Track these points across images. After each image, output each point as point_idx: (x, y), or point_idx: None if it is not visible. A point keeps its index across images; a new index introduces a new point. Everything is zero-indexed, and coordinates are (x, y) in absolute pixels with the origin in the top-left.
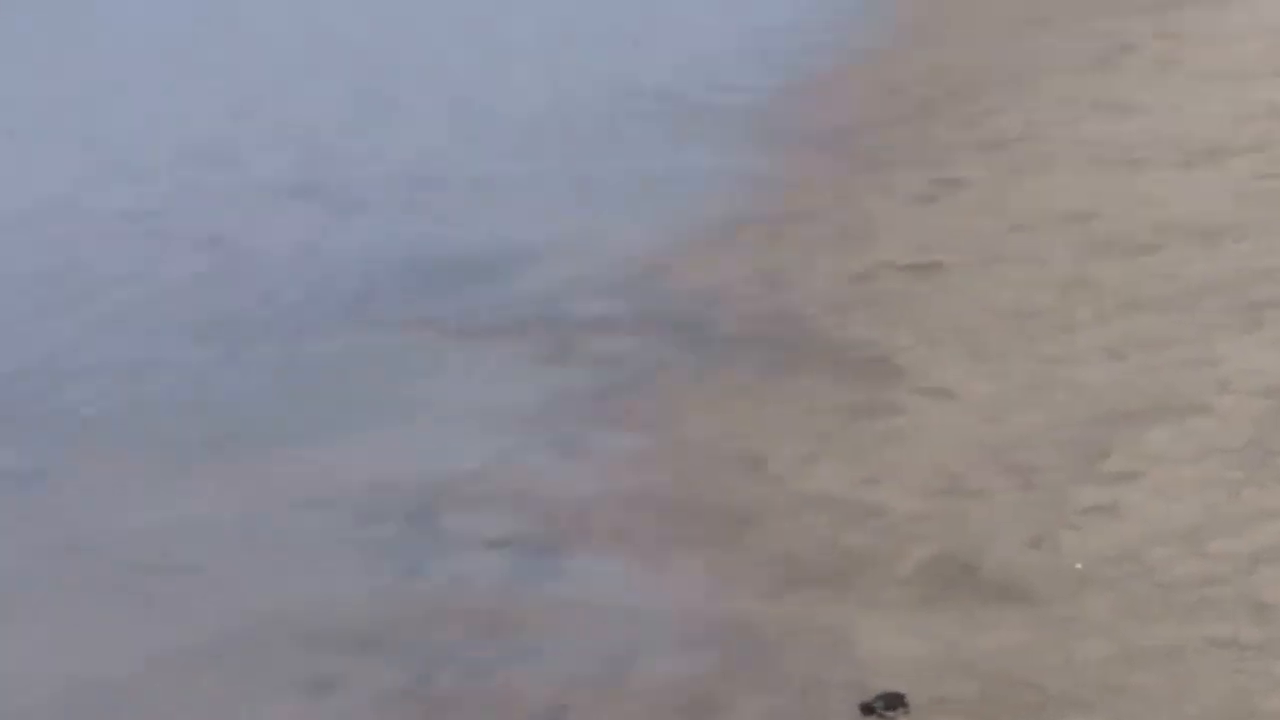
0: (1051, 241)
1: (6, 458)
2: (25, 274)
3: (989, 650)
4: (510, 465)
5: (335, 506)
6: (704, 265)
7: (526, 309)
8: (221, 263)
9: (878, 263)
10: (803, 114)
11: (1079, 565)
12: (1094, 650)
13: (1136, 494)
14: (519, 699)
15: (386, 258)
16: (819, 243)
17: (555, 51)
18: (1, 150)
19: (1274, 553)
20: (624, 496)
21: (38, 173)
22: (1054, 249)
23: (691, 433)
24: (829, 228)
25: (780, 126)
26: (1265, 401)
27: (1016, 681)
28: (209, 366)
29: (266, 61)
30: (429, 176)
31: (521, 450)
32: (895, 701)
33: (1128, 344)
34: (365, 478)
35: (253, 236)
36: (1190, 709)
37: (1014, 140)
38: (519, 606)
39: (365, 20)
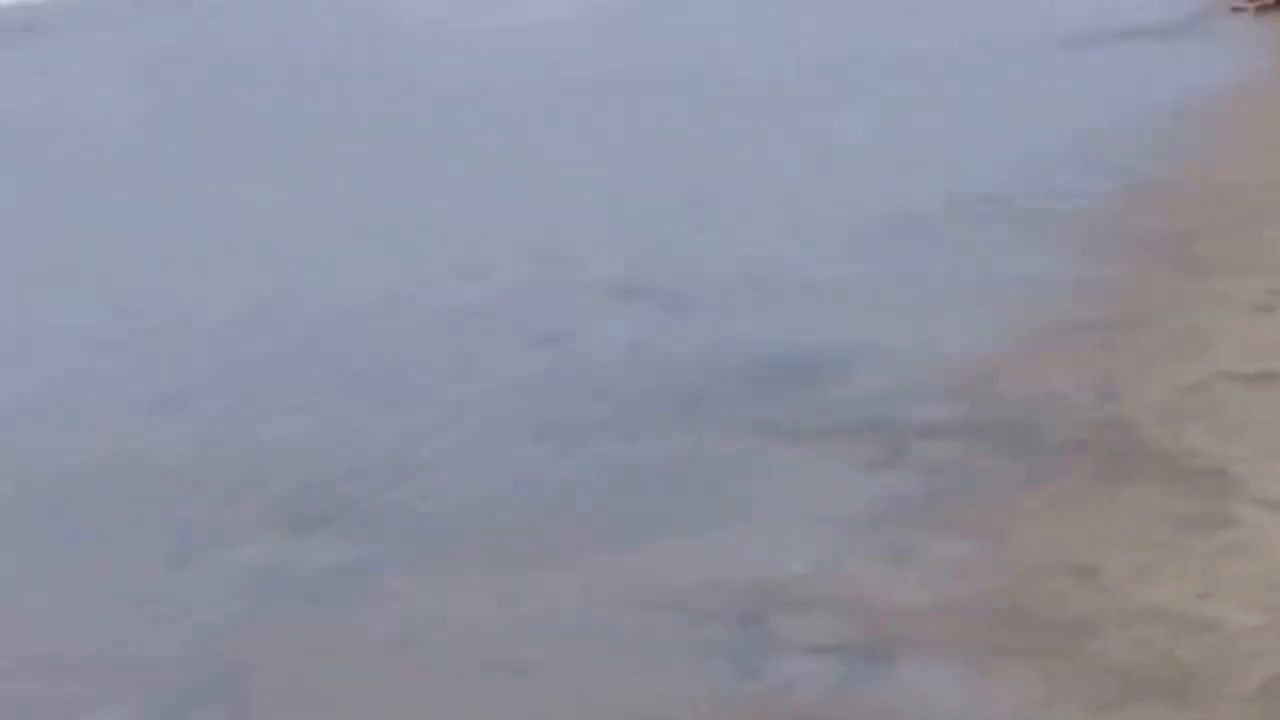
0: None
1: (343, 552)
2: (363, 370)
3: None
4: (840, 570)
5: (666, 607)
6: (1035, 371)
7: (856, 413)
8: (555, 361)
9: (1213, 372)
10: (1134, 219)
11: None
12: None
13: None
14: None
15: (717, 359)
16: (1152, 350)
17: (885, 154)
18: (340, 248)
19: None
20: (954, 604)
21: (375, 270)
22: None
23: (1022, 541)
24: (1162, 335)
25: (1111, 231)
26: None
27: None
28: (543, 464)
29: (598, 162)
30: (759, 278)
31: (851, 555)
32: None
33: None
34: (696, 579)
35: (586, 336)
36: None
37: None
38: (848, 712)
39: (695, 122)
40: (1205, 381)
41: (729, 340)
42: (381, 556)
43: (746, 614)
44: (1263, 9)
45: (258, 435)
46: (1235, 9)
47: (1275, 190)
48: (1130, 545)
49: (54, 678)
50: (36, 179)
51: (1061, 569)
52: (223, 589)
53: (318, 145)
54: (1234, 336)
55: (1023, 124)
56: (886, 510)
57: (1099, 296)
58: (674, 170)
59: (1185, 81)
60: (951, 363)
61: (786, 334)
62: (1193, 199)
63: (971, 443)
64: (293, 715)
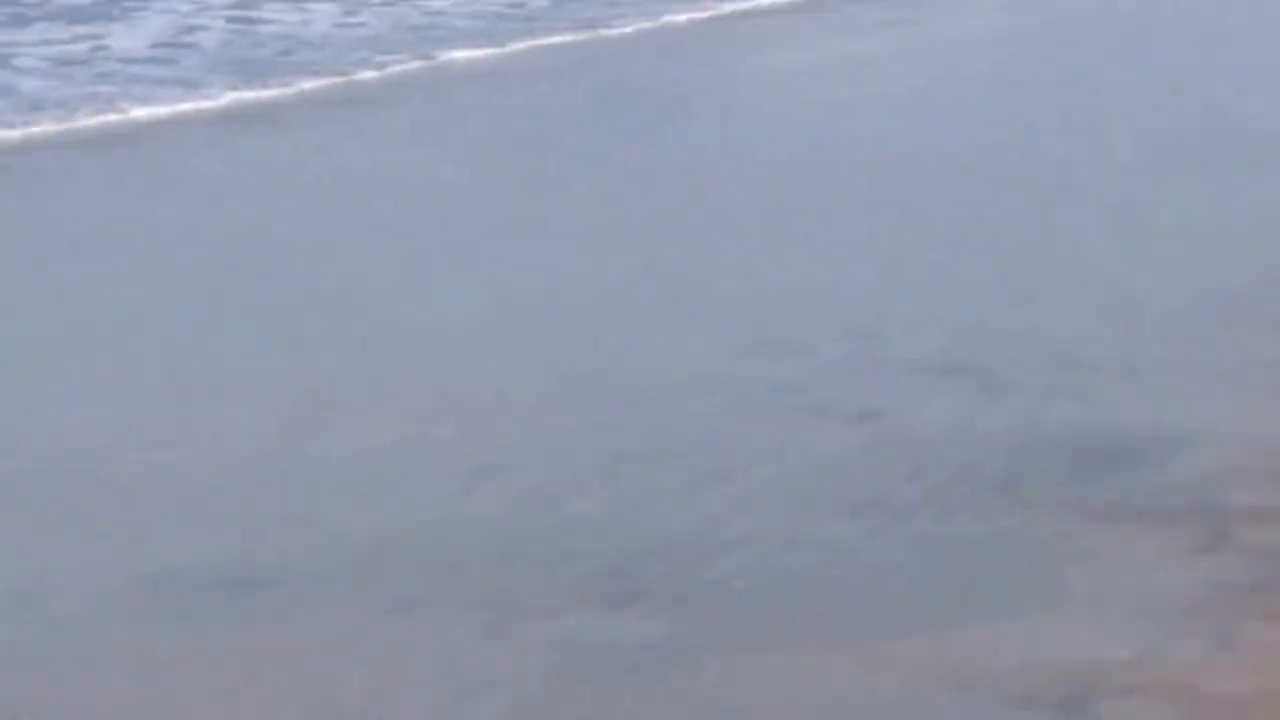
0: None
1: (656, 627)
2: (676, 445)
3: None
4: (1163, 656)
5: (984, 691)
6: None
7: (1178, 496)
8: (871, 439)
9: None
10: None
11: None
12: None
13: None
14: None
15: (1035, 439)
16: None
17: (1206, 230)
18: (654, 321)
19: None
20: None
21: (689, 344)
22: None
23: None
24: None
25: None
26: None
27: None
28: (858, 543)
29: (915, 238)
30: (1078, 358)
31: (1175, 641)
32: None
33: None
34: (1015, 662)
35: (902, 414)
36: None
37: None
38: None
39: (1013, 197)
40: None
41: (1047, 420)
42: (695, 633)
43: (1068, 699)
44: None
45: (571, 508)
46: None
47: None
48: None
49: None
50: (355, 248)
51: None
52: (536, 662)
53: (636, 216)
54: None
55: None
56: (1211, 595)
57: None
58: (991, 247)
59: None
60: (1276, 447)
61: (1105, 415)
62: None
63: None
64: None
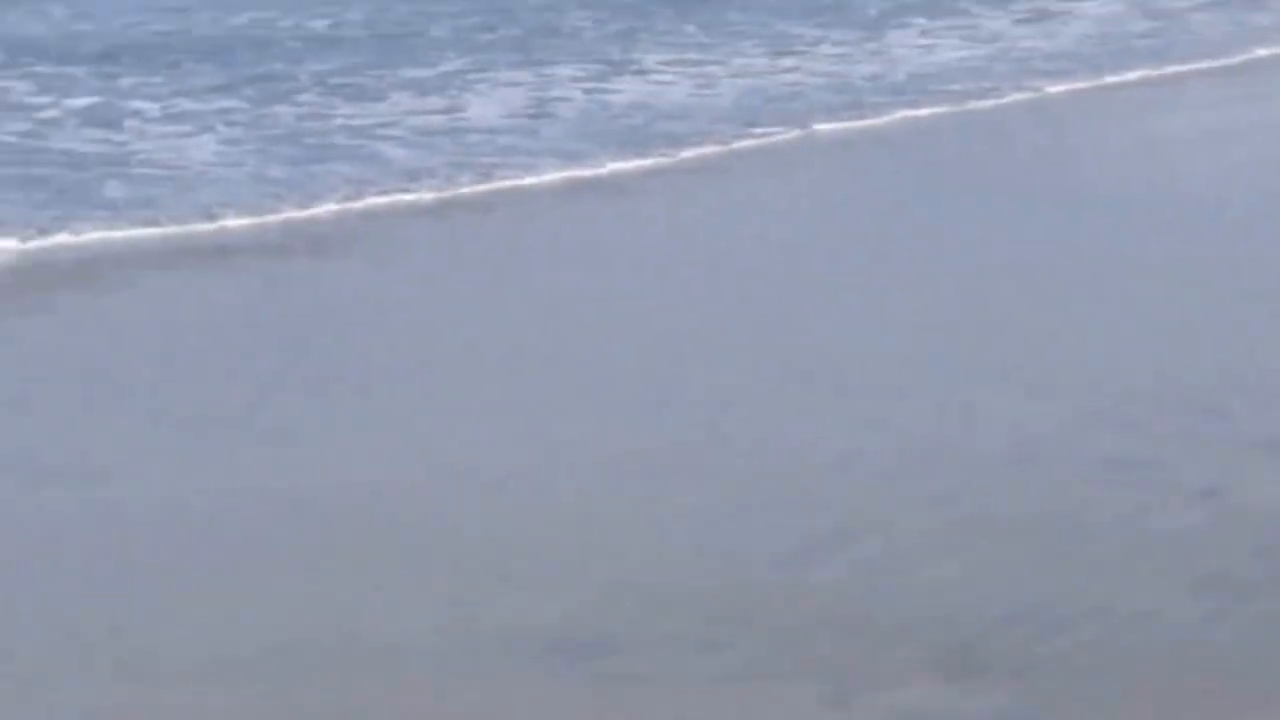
0: None
1: (999, 700)
2: (1020, 519)
3: None
4: None
5: None
6: None
7: None
8: (1215, 516)
9: None
10: None
11: None
12: None
13: None
14: None
15: None
16: None
17: None
18: (997, 390)
19: None
20: None
21: (1033, 417)
22: None
23: None
24: None
25: None
26: None
27: None
28: (1201, 620)
29: (1261, 314)
30: None
31: None
32: None
33: None
34: None
35: (1247, 491)
36: None
37: None
38: None
39: None
40: None
41: None
42: (1036, 708)
43: None
44: None
45: (913, 579)
46: None
47: None
48: None
49: None
50: (715, 315)
51: None
52: None
53: (988, 286)
54: None
55: None
56: None
57: None
58: None
59: None
60: None
61: None
62: None
63: None
64: None
